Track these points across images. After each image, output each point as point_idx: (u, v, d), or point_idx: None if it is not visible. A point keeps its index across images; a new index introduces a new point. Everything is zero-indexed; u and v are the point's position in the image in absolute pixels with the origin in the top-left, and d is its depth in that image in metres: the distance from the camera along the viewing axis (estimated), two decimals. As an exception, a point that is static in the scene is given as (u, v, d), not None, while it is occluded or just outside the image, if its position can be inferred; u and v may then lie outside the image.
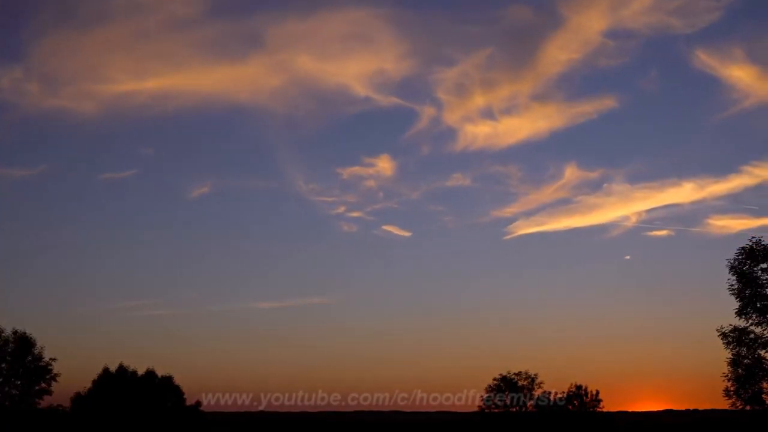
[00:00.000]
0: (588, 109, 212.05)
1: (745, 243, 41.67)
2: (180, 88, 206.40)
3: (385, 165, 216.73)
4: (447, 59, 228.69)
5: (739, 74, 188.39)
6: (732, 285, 41.62)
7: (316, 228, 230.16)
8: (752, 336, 41.03)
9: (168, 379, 70.06)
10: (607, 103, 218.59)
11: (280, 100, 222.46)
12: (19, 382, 59.33)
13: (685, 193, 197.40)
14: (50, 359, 60.47)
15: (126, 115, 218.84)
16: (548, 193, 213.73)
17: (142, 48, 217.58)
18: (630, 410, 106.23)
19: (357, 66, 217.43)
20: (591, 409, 66.05)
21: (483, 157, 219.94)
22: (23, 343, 59.65)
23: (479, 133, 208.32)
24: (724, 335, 41.63)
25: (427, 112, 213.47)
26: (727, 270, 41.64)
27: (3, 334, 59.47)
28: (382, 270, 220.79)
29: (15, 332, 59.86)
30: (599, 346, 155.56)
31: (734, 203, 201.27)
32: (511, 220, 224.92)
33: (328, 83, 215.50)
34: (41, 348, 60.09)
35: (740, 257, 41.55)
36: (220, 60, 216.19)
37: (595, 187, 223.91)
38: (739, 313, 41.42)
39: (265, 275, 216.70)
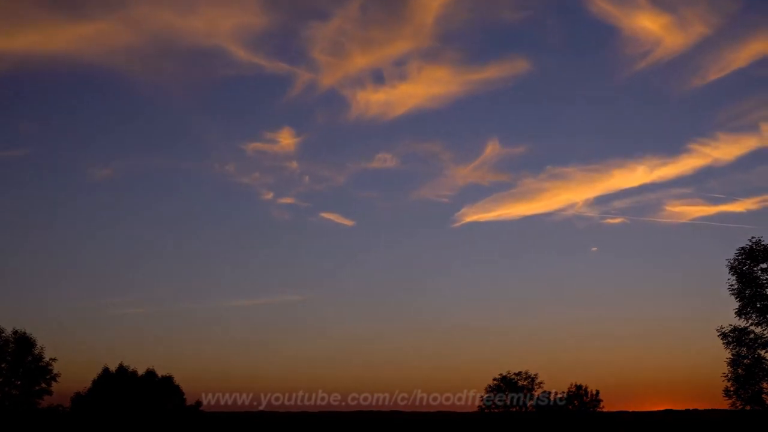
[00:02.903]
0: (498, 73, 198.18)
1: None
2: (41, 50, 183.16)
3: (288, 141, 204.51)
4: (318, 12, 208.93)
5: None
6: (732, 285, 41.72)
7: (249, 216, 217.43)
8: (752, 336, 41.08)
9: (168, 379, 70.10)
10: (520, 65, 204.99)
11: (145, 64, 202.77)
12: (19, 382, 59.30)
13: (636, 176, 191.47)
14: (50, 359, 60.57)
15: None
16: (485, 175, 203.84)
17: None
18: (630, 410, 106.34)
19: (217, 21, 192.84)
20: (591, 409, 66.09)
21: (388, 128, 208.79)
22: (23, 343, 59.64)
23: (372, 101, 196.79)
24: (724, 335, 41.68)
25: (305, 76, 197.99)
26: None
27: (3, 334, 59.47)
28: (345, 263, 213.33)
29: (15, 332, 59.89)
30: (598, 345, 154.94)
31: (688, 187, 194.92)
32: (454, 206, 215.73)
33: (190, 42, 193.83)
34: (41, 348, 60.21)
35: (740, 257, 41.64)
36: (67, 15, 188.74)
37: (532, 167, 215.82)
38: (739, 313, 41.49)
39: (219, 270, 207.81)
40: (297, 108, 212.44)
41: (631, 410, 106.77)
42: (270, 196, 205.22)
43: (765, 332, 40.90)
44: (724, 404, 42.47)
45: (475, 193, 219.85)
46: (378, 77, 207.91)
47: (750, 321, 41.19)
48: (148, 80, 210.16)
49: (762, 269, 41.16)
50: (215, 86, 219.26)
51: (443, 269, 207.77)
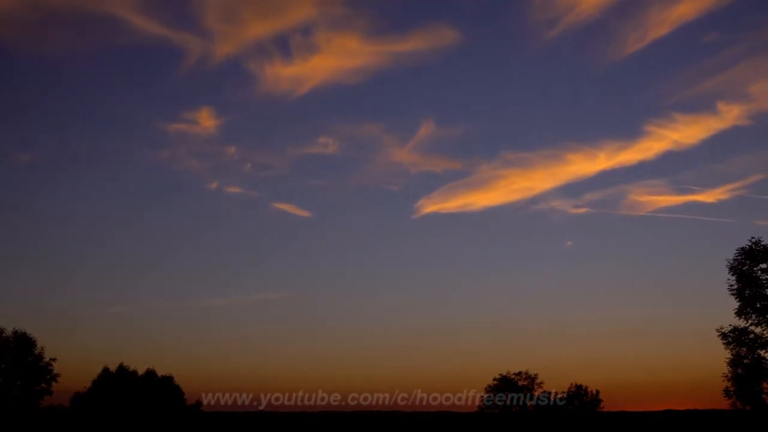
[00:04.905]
0: (423, 44, 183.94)
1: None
2: None
3: (209, 122, 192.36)
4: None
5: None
6: (732, 285, 41.72)
7: (199, 207, 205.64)
8: (752, 336, 41.07)
9: (168, 379, 70.17)
10: (448, 35, 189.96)
11: (28, 32, 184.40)
12: (19, 382, 59.35)
13: (598, 162, 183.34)
14: (50, 359, 60.60)
15: None
16: (436, 162, 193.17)
17: None
18: (630, 410, 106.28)
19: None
20: (591, 409, 66.08)
21: (317, 108, 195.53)
22: (23, 343, 59.67)
23: (283, 75, 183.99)
24: (723, 335, 41.69)
25: (201, 46, 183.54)
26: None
27: (3, 334, 59.52)
28: (319, 258, 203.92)
29: (15, 332, 59.91)
30: (598, 344, 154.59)
31: (654, 173, 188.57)
32: (409, 195, 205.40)
33: (75, 7, 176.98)
34: (41, 348, 60.26)
35: (740, 257, 41.64)
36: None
37: (481, 152, 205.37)
38: (739, 313, 41.49)
39: (209, 267, 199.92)
40: (207, 84, 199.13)
41: (631, 410, 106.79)
42: (215, 185, 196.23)
43: (765, 332, 40.91)
44: (724, 404, 42.53)
45: (429, 181, 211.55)
46: (285, 49, 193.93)
47: (750, 321, 41.21)
48: (37, 51, 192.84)
49: (762, 269, 41.18)
50: (115, 58, 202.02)
51: (426, 264, 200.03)
